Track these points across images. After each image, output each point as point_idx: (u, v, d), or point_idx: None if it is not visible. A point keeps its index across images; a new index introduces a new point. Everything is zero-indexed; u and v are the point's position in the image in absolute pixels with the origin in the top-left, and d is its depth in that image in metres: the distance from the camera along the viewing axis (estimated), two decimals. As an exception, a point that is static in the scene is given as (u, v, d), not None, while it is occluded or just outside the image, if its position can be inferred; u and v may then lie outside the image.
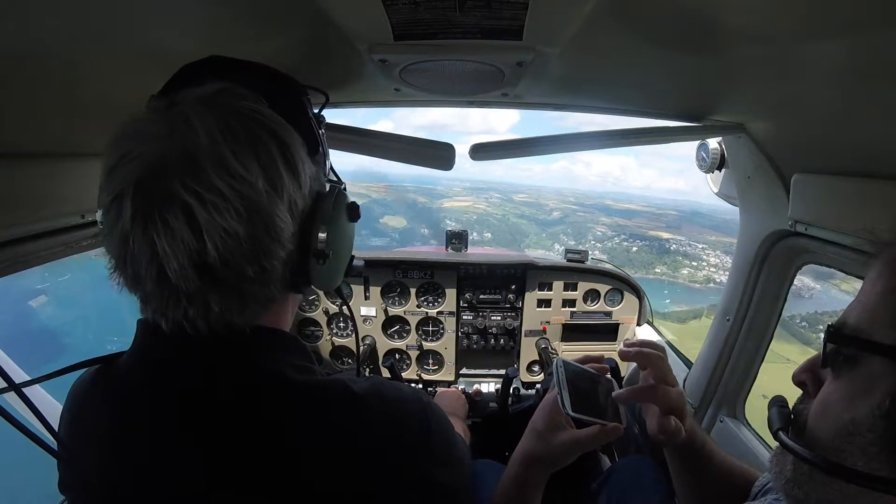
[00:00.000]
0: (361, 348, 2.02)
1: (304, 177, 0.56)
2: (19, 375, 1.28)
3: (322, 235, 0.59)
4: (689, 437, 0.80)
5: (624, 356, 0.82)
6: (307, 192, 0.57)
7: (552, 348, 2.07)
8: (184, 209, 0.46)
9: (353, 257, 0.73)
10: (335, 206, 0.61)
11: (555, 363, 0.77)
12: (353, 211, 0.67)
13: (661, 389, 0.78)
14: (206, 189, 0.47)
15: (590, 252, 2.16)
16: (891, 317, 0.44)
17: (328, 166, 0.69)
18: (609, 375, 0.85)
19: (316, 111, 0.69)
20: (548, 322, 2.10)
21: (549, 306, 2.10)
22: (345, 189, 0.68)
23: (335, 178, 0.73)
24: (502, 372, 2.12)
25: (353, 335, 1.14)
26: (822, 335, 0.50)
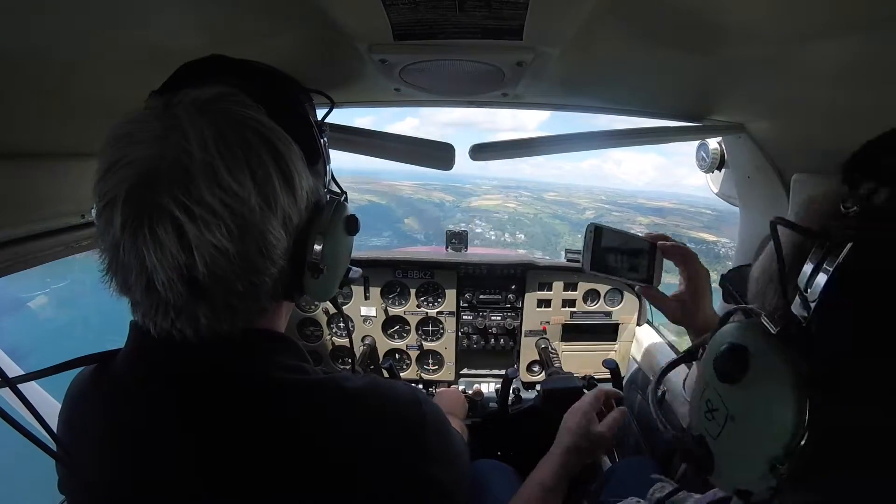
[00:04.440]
0: (361, 348, 2.02)
1: (300, 191, 0.55)
2: (16, 372, 1.27)
3: (317, 248, 0.58)
4: None
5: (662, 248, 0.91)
6: (304, 206, 0.56)
7: (552, 348, 2.07)
8: (173, 223, 0.46)
9: (349, 269, 0.72)
10: (332, 219, 0.60)
11: (587, 227, 0.88)
12: (352, 224, 0.65)
13: (697, 262, 0.88)
14: (197, 204, 0.46)
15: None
16: None
17: (329, 175, 0.68)
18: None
19: (320, 117, 0.67)
20: (548, 322, 2.10)
21: (549, 306, 2.09)
22: (346, 200, 0.66)
23: (337, 189, 0.71)
24: (502, 372, 2.12)
25: (351, 335, 1.14)
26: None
